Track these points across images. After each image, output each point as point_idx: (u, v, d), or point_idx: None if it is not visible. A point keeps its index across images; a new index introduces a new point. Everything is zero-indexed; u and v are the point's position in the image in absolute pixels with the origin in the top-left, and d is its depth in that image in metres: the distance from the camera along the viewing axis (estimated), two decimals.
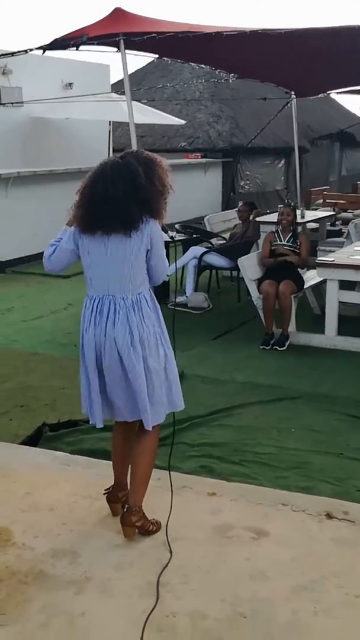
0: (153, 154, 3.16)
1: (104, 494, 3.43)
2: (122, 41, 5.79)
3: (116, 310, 3.08)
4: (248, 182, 16.88)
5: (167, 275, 3.37)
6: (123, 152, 3.17)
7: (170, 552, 3.11)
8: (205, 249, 8.31)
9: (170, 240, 3.56)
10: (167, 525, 3.27)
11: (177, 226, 9.35)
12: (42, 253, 3.24)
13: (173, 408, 3.28)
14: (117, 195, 2.98)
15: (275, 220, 7.51)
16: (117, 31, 5.79)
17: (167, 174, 3.11)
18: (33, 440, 4.41)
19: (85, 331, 3.15)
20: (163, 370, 3.19)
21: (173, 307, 4.74)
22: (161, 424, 3.26)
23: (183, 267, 8.22)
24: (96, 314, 3.11)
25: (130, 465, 3.31)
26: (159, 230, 3.11)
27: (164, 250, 3.19)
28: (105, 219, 3.02)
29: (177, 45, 6.05)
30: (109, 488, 3.44)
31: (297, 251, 6.84)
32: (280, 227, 6.98)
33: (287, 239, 6.89)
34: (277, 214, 7.46)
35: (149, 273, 3.16)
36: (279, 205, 7.99)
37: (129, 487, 3.34)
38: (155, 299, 3.22)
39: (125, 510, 3.24)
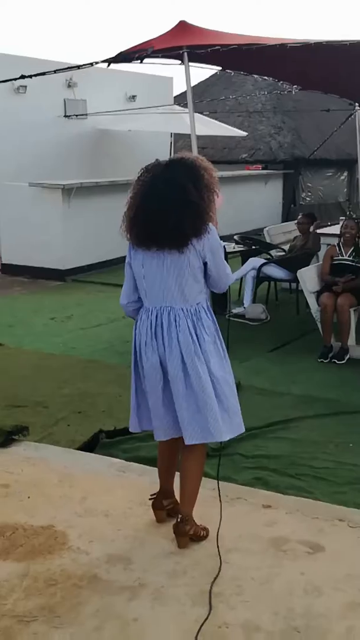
0: (198, 159, 3.13)
1: (150, 499, 3.45)
2: (185, 54, 5.83)
3: (177, 321, 3.06)
4: (309, 193, 16.77)
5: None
6: (168, 159, 3.18)
7: (221, 562, 3.09)
8: (265, 261, 8.28)
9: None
10: (217, 536, 3.26)
11: (236, 237, 9.35)
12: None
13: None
14: (169, 213, 2.96)
15: (335, 233, 7.43)
16: (181, 44, 5.82)
17: (213, 177, 3.08)
18: (90, 446, 4.47)
19: (144, 345, 3.11)
20: (229, 378, 3.19)
21: (229, 319, 4.71)
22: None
23: (242, 278, 8.21)
24: (156, 326, 3.09)
25: (180, 478, 3.29)
26: (216, 239, 3.08)
27: (223, 257, 3.15)
28: (159, 235, 3.02)
29: (240, 57, 6.06)
30: (154, 494, 3.45)
31: (359, 265, 6.74)
32: (343, 240, 6.90)
33: (348, 253, 6.80)
34: (338, 226, 7.38)
35: (212, 282, 3.15)
36: (341, 218, 7.91)
37: (175, 496, 3.37)
38: (211, 309, 3.21)
39: (179, 520, 3.24)
